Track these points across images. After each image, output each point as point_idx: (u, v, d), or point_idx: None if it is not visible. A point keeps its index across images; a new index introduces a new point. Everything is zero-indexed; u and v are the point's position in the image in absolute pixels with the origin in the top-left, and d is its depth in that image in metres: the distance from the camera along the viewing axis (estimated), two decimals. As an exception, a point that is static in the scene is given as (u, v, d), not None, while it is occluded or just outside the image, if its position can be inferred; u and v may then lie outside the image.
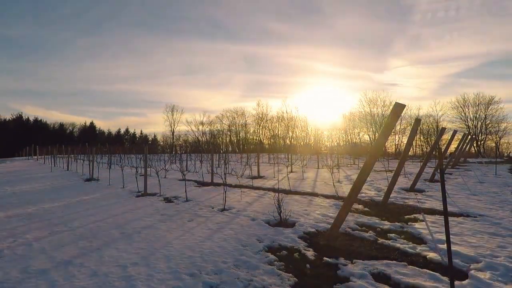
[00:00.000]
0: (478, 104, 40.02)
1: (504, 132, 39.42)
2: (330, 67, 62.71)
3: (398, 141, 41.66)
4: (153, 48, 74.07)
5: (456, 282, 2.72)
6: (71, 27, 70.54)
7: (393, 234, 4.23)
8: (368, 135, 43.63)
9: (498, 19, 52.20)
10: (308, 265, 3.25)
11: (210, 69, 73.60)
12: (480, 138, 40.37)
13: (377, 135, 38.71)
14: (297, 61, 67.60)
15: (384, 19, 55.68)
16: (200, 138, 54.47)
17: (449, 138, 11.08)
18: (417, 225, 4.69)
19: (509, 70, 55.10)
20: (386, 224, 4.73)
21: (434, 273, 2.96)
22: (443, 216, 2.80)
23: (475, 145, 37.19)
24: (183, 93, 76.81)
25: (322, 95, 68.18)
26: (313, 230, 4.48)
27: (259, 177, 11.64)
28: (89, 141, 34.42)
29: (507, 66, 54.07)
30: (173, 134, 56.82)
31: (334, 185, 8.22)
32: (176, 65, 75.78)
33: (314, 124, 47.53)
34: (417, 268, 3.08)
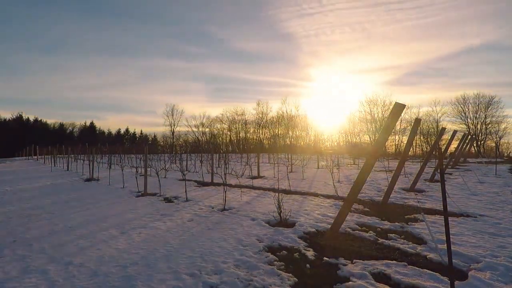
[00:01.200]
0: (478, 104, 40.08)
1: (504, 132, 39.47)
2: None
3: (398, 141, 41.68)
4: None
5: (456, 282, 2.71)
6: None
7: (393, 234, 4.23)
8: (368, 135, 43.65)
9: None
10: (308, 265, 3.25)
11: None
12: (480, 138, 40.37)
13: (377, 135, 38.71)
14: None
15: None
16: (200, 138, 54.49)
17: (449, 138, 11.08)
18: (417, 225, 4.69)
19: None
20: (386, 224, 4.73)
21: (434, 273, 2.96)
22: (443, 216, 2.80)
23: (475, 145, 37.17)
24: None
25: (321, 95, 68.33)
26: (313, 230, 4.48)
27: (259, 177, 11.64)
28: (89, 141, 34.38)
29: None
30: (173, 134, 56.86)
31: (334, 185, 8.22)
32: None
33: (315, 123, 47.25)
34: (417, 268, 3.08)
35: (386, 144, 32.94)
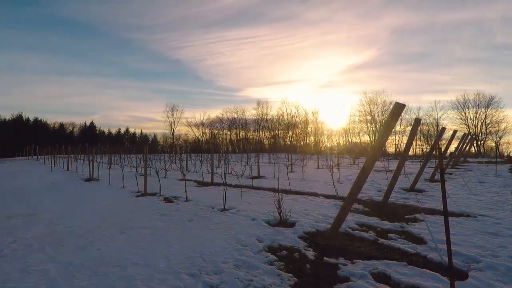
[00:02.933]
0: (478, 104, 40.08)
1: (504, 132, 39.46)
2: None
3: (398, 141, 41.68)
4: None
5: (456, 282, 2.71)
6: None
7: (393, 234, 4.23)
8: (368, 135, 43.66)
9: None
10: (308, 265, 3.25)
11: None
12: (480, 138, 40.36)
13: (377, 135, 38.72)
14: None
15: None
16: (200, 138, 54.49)
17: (449, 138, 11.08)
18: (417, 225, 4.69)
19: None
20: (386, 224, 4.73)
21: (434, 273, 2.96)
22: (443, 216, 2.80)
23: (475, 145, 37.19)
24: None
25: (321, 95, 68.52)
26: (313, 230, 4.48)
27: (259, 177, 11.64)
28: (89, 141, 34.38)
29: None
30: (173, 134, 56.89)
31: (334, 185, 8.22)
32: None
33: (316, 123, 47.23)
34: (417, 268, 3.08)
35: (386, 144, 32.93)
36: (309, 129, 48.74)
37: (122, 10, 67.30)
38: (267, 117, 51.18)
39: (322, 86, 67.48)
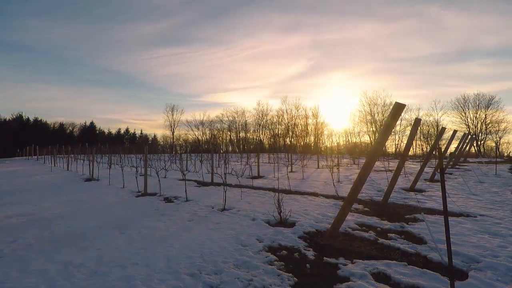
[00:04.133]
0: (478, 104, 40.08)
1: (504, 132, 39.46)
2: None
3: (398, 141, 41.67)
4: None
5: (456, 282, 2.71)
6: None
7: (393, 234, 4.23)
8: (368, 135, 43.66)
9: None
10: (308, 265, 3.25)
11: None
12: (480, 138, 40.36)
13: (377, 135, 38.71)
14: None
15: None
16: (200, 138, 54.51)
17: (449, 138, 11.08)
18: (417, 225, 4.69)
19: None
20: (386, 224, 4.73)
21: (434, 273, 2.96)
22: (443, 216, 2.80)
23: (475, 145, 37.17)
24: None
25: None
26: (313, 230, 4.48)
27: (259, 177, 11.64)
28: (89, 141, 34.40)
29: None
30: (173, 134, 56.89)
31: (334, 185, 8.22)
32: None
33: (316, 123, 47.23)
34: (417, 268, 3.08)
35: (386, 144, 32.92)
36: (309, 129, 48.77)
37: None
38: (267, 117, 51.21)
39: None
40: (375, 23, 58.65)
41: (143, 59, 74.92)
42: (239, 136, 53.84)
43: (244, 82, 74.65)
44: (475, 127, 40.59)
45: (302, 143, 46.33)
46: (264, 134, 51.93)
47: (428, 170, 11.82)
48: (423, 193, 7.58)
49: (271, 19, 64.49)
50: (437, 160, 11.50)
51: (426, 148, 40.57)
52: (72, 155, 21.76)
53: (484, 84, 58.92)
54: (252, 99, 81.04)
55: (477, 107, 40.28)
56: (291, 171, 13.45)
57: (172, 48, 72.38)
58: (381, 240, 4.00)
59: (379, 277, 2.95)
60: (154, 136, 68.69)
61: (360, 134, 41.97)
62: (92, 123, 68.55)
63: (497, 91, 58.55)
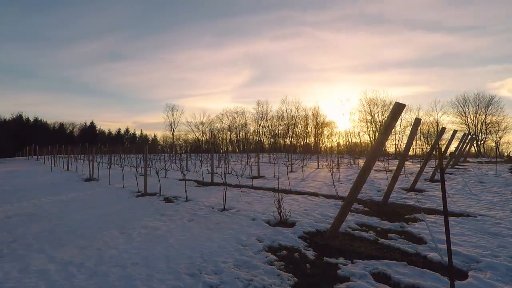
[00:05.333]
0: (478, 103, 40.07)
1: (504, 132, 39.45)
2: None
3: (398, 141, 41.66)
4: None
5: (456, 282, 2.71)
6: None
7: (393, 234, 4.23)
8: (368, 135, 43.66)
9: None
10: (308, 265, 3.25)
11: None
12: (480, 138, 40.35)
13: (377, 135, 38.70)
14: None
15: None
16: (200, 138, 54.49)
17: (449, 138, 11.08)
18: (417, 225, 4.69)
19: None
20: (386, 224, 4.73)
21: (434, 273, 2.96)
22: (443, 216, 2.80)
23: (475, 145, 37.17)
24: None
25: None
26: (313, 230, 4.48)
27: (259, 177, 11.64)
28: (89, 141, 34.40)
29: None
30: (173, 134, 56.87)
31: (334, 185, 8.22)
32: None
33: (316, 122, 47.21)
34: (417, 268, 3.08)
35: (386, 144, 32.91)
36: (309, 129, 48.75)
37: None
38: (267, 117, 51.19)
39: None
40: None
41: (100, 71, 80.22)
42: (239, 136, 53.84)
43: (206, 88, 79.63)
44: (475, 127, 40.59)
45: (302, 143, 46.32)
46: (264, 134, 51.94)
47: (428, 170, 11.82)
48: (423, 193, 7.58)
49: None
50: (437, 160, 11.50)
51: (426, 148, 40.56)
52: (72, 155, 21.76)
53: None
54: (215, 104, 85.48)
55: (477, 107, 40.31)
56: (291, 171, 13.45)
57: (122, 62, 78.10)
58: (381, 240, 4.00)
59: (379, 277, 2.95)
60: (154, 136, 68.77)
61: (360, 134, 42.01)
62: (92, 123, 68.60)
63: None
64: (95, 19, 73.07)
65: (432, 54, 60.06)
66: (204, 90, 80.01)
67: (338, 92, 72.36)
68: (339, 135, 41.40)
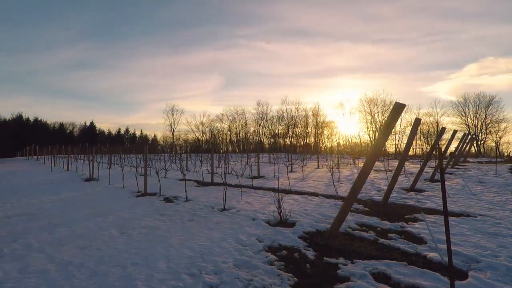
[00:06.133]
0: (479, 103, 40.06)
1: (504, 132, 39.45)
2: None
3: (398, 141, 41.66)
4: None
5: (456, 282, 2.71)
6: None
7: (393, 234, 4.23)
8: (368, 135, 43.66)
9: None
10: (308, 265, 3.25)
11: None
12: (480, 138, 40.35)
13: (377, 135, 38.68)
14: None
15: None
16: (200, 138, 54.48)
17: (449, 138, 11.08)
18: (417, 225, 4.69)
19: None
20: (386, 224, 4.73)
21: (434, 273, 2.96)
22: (443, 216, 2.80)
23: (475, 145, 37.15)
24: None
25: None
26: (313, 230, 4.48)
27: (259, 176, 11.64)
28: (89, 141, 34.41)
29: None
30: (173, 134, 56.85)
31: (334, 185, 8.22)
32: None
33: (316, 122, 47.22)
34: (417, 268, 3.08)
35: (386, 144, 32.89)
36: (309, 129, 48.74)
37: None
38: (268, 117, 51.18)
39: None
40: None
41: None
42: (239, 136, 53.83)
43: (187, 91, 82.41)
44: (475, 127, 40.60)
45: (302, 143, 46.31)
46: (264, 134, 51.92)
47: (428, 170, 11.82)
48: (423, 193, 7.58)
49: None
50: (437, 160, 11.50)
51: (426, 148, 40.56)
52: (72, 155, 21.76)
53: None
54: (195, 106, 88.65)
55: (477, 107, 40.31)
56: (291, 171, 13.45)
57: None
58: (381, 240, 4.00)
59: (379, 277, 2.95)
60: (154, 136, 68.76)
61: (360, 134, 42.00)
62: (92, 123, 68.61)
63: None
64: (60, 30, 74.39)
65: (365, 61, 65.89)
66: (176, 94, 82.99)
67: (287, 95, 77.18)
68: (339, 135, 41.43)
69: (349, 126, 46.31)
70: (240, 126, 53.32)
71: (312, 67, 70.77)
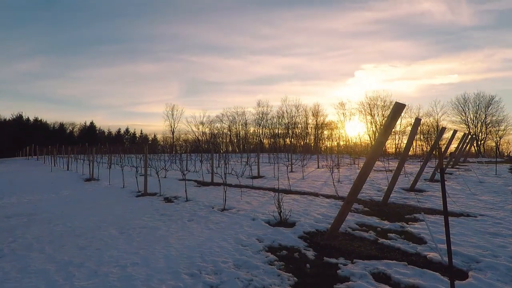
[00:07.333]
0: (478, 103, 40.06)
1: (504, 132, 39.45)
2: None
3: (398, 141, 41.66)
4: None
5: (456, 282, 2.71)
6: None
7: (393, 234, 4.23)
8: (368, 135, 43.65)
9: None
10: (308, 265, 3.25)
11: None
12: (480, 138, 40.34)
13: (377, 135, 38.66)
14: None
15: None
16: (200, 138, 54.45)
17: (449, 137, 11.08)
18: (417, 225, 4.69)
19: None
20: (386, 224, 4.73)
21: (434, 273, 2.96)
22: (443, 216, 2.80)
23: (475, 145, 37.14)
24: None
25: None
26: (313, 230, 4.48)
27: (259, 176, 11.64)
28: (89, 141, 34.38)
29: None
30: (173, 134, 56.83)
31: (334, 185, 8.22)
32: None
33: (316, 122, 47.25)
34: (417, 268, 3.08)
35: (386, 144, 32.88)
36: (309, 129, 48.74)
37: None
38: (268, 117, 51.17)
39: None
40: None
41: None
42: (239, 136, 53.81)
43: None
44: (475, 127, 40.59)
45: (302, 143, 46.29)
46: (264, 134, 51.89)
47: (428, 170, 11.81)
48: (423, 193, 7.58)
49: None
50: (437, 160, 11.50)
51: (426, 148, 40.55)
52: (72, 155, 21.75)
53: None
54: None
55: (477, 107, 40.31)
56: (291, 171, 13.45)
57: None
58: (381, 240, 4.00)
59: (379, 277, 2.95)
60: (154, 136, 68.69)
61: (360, 134, 41.98)
62: (92, 123, 68.56)
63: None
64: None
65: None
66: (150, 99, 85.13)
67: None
68: (339, 135, 41.43)
69: (349, 126, 46.32)
70: (240, 127, 53.35)
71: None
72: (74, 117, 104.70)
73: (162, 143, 56.21)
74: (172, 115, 56.80)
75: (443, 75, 59.85)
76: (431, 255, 3.41)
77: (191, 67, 75.88)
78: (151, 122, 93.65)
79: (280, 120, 50.29)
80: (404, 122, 40.52)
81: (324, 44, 68.94)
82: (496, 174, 11.35)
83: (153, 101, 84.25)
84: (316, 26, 66.22)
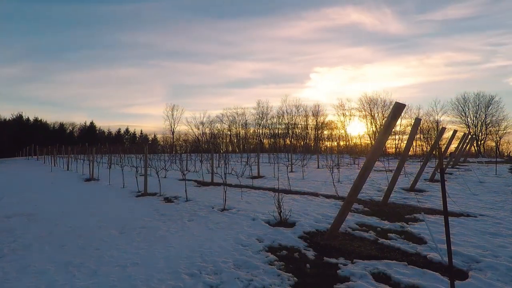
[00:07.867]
0: (478, 103, 40.06)
1: (504, 132, 39.45)
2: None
3: (398, 141, 41.66)
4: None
5: (456, 282, 2.71)
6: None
7: (393, 234, 4.23)
8: (368, 135, 43.65)
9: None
10: (308, 265, 3.25)
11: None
12: (480, 137, 40.34)
13: (377, 135, 38.67)
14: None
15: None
16: (200, 138, 54.43)
17: (449, 137, 11.08)
18: (417, 225, 4.69)
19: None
20: (386, 224, 4.73)
21: (434, 273, 2.96)
22: (443, 216, 2.80)
23: (475, 145, 37.13)
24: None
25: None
26: (313, 230, 4.48)
27: (259, 176, 11.64)
28: (89, 141, 34.37)
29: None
30: (173, 134, 56.82)
31: (334, 185, 8.22)
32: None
33: (317, 123, 47.25)
34: (417, 268, 3.08)
35: (386, 144, 32.87)
36: (309, 129, 48.74)
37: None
38: (268, 117, 51.17)
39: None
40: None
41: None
42: (239, 136, 53.81)
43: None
44: (475, 127, 40.59)
45: (302, 143, 46.29)
46: (264, 134, 51.88)
47: (428, 170, 11.81)
48: (423, 193, 7.58)
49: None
50: (437, 160, 11.50)
51: (426, 148, 40.54)
52: (72, 155, 21.74)
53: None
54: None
55: (477, 107, 40.31)
56: (291, 171, 13.45)
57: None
58: (381, 240, 4.00)
59: (379, 277, 2.95)
60: (154, 136, 68.66)
61: (360, 134, 42.01)
62: (92, 123, 68.52)
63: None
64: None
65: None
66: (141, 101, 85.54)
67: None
68: (339, 135, 41.44)
69: (349, 126, 46.31)
70: (240, 126, 53.34)
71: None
72: (73, 117, 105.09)
73: (162, 143, 56.24)
74: (172, 114, 56.85)
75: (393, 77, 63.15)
76: (431, 255, 3.41)
77: (167, 71, 76.38)
78: (142, 123, 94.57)
79: (280, 120, 50.34)
80: (404, 122, 40.55)
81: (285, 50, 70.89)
82: (496, 174, 11.35)
83: (136, 104, 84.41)
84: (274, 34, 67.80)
